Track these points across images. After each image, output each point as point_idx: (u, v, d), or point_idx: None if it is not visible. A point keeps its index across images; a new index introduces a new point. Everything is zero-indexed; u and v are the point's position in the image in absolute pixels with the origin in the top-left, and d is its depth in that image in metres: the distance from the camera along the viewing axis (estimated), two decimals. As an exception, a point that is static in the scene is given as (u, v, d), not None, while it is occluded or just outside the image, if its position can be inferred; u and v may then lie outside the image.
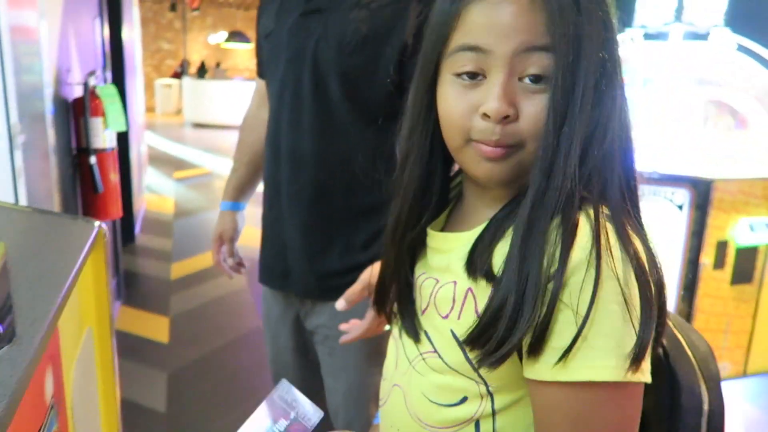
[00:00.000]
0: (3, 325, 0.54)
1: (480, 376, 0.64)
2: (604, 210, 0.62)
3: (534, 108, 0.60)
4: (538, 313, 0.57)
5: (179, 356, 2.78)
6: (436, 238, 0.74)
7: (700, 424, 0.76)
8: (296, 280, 1.22)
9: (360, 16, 1.08)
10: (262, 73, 1.32)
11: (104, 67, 3.21)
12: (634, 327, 0.57)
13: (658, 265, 0.66)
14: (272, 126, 1.22)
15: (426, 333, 0.72)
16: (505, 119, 0.60)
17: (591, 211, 0.60)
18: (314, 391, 1.33)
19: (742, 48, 2.55)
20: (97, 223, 0.97)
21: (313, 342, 1.28)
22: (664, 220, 2.31)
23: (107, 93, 2.21)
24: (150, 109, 15.43)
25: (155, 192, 6.37)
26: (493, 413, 0.65)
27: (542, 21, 0.60)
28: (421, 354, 0.71)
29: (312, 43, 1.12)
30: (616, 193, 0.64)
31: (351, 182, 1.13)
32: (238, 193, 1.44)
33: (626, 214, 0.64)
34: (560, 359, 0.56)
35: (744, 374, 2.50)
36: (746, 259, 2.34)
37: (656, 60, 2.65)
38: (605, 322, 0.56)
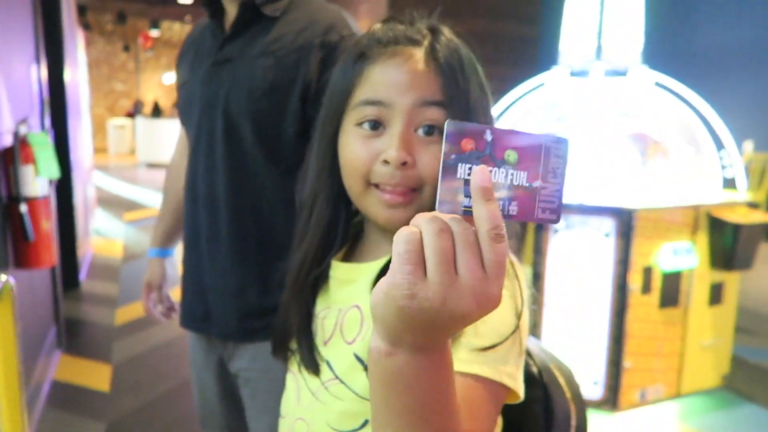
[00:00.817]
0: None
1: None
2: None
3: (429, 155, 0.69)
4: None
5: (119, 405, 2.70)
6: (341, 269, 0.79)
7: None
8: (216, 321, 1.23)
9: (266, 64, 1.13)
10: (182, 121, 1.35)
11: (41, 113, 3.18)
12: (521, 343, 0.67)
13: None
14: (190, 171, 1.25)
15: (327, 362, 0.75)
16: (404, 165, 0.68)
17: None
18: (240, 437, 1.33)
19: (659, 84, 2.72)
20: (3, 277, 0.97)
21: (237, 385, 1.28)
22: (593, 248, 2.40)
23: (38, 141, 2.20)
24: (102, 150, 15.20)
25: (103, 235, 6.24)
26: None
27: (436, 80, 0.69)
28: (323, 383, 0.75)
29: (223, 92, 1.16)
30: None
31: (264, 223, 1.17)
32: (166, 239, 1.46)
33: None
34: (467, 356, 0.63)
35: (678, 395, 2.58)
36: (672, 283, 2.45)
37: (581, 96, 2.79)
38: (504, 334, 0.65)
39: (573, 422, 0.86)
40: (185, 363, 3.17)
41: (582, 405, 0.89)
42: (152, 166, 12.53)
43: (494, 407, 0.64)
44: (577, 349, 2.49)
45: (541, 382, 0.85)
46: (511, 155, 0.45)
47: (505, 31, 5.69)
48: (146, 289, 1.47)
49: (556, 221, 0.46)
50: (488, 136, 0.44)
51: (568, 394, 0.87)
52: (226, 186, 1.18)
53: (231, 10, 1.18)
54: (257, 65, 1.14)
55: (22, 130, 2.20)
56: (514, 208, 0.45)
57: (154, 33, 14.48)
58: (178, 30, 16.37)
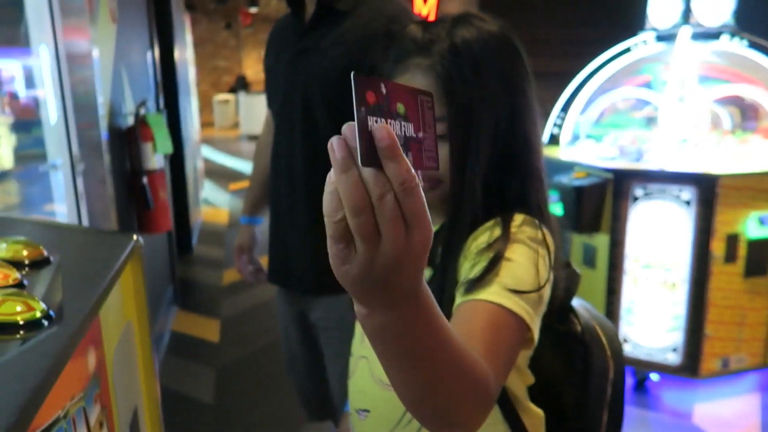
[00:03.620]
0: (54, 311, 0.77)
1: None
2: (518, 216, 0.83)
3: (442, 157, 0.81)
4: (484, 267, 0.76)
5: (227, 354, 3.06)
6: None
7: (606, 387, 0.94)
8: (297, 278, 1.43)
9: (338, 52, 1.29)
10: (268, 104, 1.55)
11: (156, 94, 3.55)
12: (542, 302, 0.77)
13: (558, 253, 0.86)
14: (274, 148, 1.45)
15: None
16: None
17: (520, 213, 0.83)
18: (319, 378, 1.53)
19: (752, 45, 2.60)
20: (135, 237, 1.21)
21: (317, 333, 1.48)
22: (673, 216, 2.39)
23: (155, 121, 2.50)
24: (208, 125, 16.17)
25: (211, 204, 6.77)
26: None
27: (437, 93, 0.79)
28: None
29: (302, 78, 1.34)
30: (535, 205, 0.86)
31: None
32: (255, 209, 1.68)
33: (542, 217, 0.86)
34: (498, 291, 0.74)
35: (765, 365, 2.53)
36: (758, 251, 2.39)
37: (668, 61, 2.73)
38: (529, 288, 0.75)
39: (610, 376, 0.97)
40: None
41: (621, 362, 0.97)
42: (252, 138, 13.21)
43: (516, 337, 0.73)
44: (656, 316, 2.50)
45: (582, 340, 0.95)
46: (401, 108, 0.46)
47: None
48: (238, 252, 1.70)
49: (437, 168, 0.49)
50: (383, 89, 0.45)
51: (608, 352, 0.96)
52: (304, 160, 1.36)
53: (309, 7, 1.35)
54: (330, 54, 1.30)
55: (141, 111, 2.51)
56: (409, 159, 0.46)
57: (253, 10, 15.07)
58: (275, 6, 16.90)
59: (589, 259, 2.65)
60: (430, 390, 0.58)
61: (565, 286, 0.94)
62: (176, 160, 4.46)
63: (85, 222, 1.97)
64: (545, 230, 0.84)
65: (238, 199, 6.99)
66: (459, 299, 0.77)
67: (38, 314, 0.76)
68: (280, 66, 1.41)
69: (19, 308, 0.76)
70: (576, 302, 1.01)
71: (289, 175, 1.39)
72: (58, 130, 1.87)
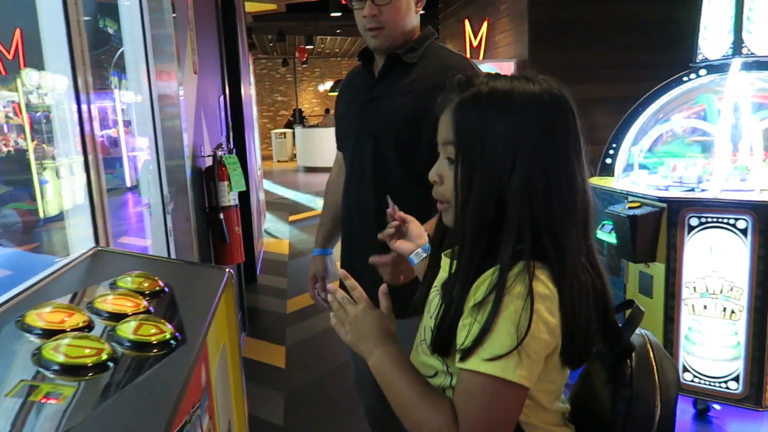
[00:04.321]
0: (180, 335, 0.94)
1: (444, 361, 0.95)
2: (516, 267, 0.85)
3: (449, 179, 0.93)
4: (482, 322, 0.83)
5: (294, 379, 3.21)
6: (444, 261, 1.04)
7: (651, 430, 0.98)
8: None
9: (406, 101, 1.45)
10: (339, 146, 1.72)
11: (227, 135, 3.82)
12: (518, 344, 0.82)
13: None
14: (346, 185, 1.62)
15: (424, 327, 1.04)
16: (435, 183, 0.98)
17: (518, 265, 0.85)
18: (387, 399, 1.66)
19: (809, 73, 2.61)
20: (227, 270, 1.39)
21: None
22: (729, 245, 2.41)
23: (230, 162, 2.73)
24: (268, 158, 16.77)
25: (273, 235, 7.05)
26: (452, 387, 0.93)
27: (451, 125, 0.93)
28: (423, 339, 1.03)
29: (372, 123, 1.50)
30: (552, 253, 0.87)
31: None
32: (326, 242, 1.84)
33: (550, 267, 0.87)
34: (490, 358, 0.83)
35: (835, 396, 2.48)
36: (822, 279, 2.37)
37: (721, 90, 2.77)
38: (503, 352, 0.82)
39: (656, 421, 0.97)
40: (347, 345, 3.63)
41: (671, 410, 0.99)
42: (309, 169, 13.62)
43: (494, 396, 0.83)
44: (716, 344, 2.51)
45: (629, 384, 0.97)
46: None
47: (655, 14, 5.44)
48: (312, 281, 1.86)
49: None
50: None
51: (658, 399, 0.97)
52: (374, 196, 1.51)
53: (379, 60, 1.52)
54: (399, 102, 1.46)
55: (219, 153, 2.74)
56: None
57: (309, 47, 15.68)
58: (329, 43, 17.53)
59: (646, 288, 2.68)
60: (402, 413, 0.92)
61: (617, 334, 0.97)
62: (242, 194, 4.72)
63: (173, 255, 2.18)
64: (543, 277, 0.85)
65: (297, 230, 7.25)
66: (457, 363, 0.87)
67: (168, 336, 0.93)
68: (351, 113, 1.58)
69: (152, 331, 0.93)
70: (641, 340, 1.02)
71: (361, 209, 1.55)
72: (151, 172, 2.10)
